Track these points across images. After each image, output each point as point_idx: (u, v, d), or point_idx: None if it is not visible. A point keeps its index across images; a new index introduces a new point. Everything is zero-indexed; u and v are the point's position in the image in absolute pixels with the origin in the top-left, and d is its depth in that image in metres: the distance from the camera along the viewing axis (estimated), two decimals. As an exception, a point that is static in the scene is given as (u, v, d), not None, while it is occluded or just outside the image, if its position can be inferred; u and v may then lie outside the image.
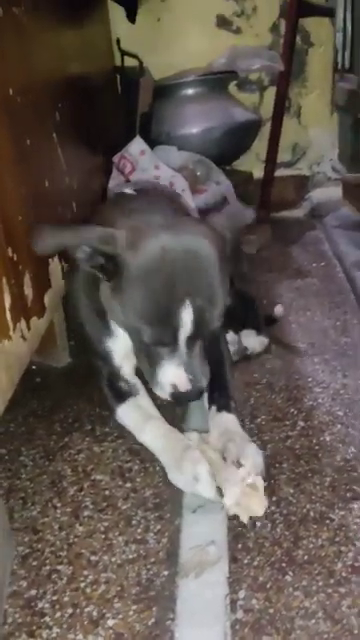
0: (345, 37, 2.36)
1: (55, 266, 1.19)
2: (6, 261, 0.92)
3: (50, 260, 1.17)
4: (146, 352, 0.95)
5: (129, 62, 2.19)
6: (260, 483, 0.91)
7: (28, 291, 1.01)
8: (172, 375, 0.92)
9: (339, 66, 2.44)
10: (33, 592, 0.84)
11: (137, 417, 1.10)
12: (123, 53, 2.20)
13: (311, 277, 1.86)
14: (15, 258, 0.95)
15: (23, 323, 0.97)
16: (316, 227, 2.35)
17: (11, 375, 0.92)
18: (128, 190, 1.11)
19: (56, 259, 1.20)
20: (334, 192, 2.53)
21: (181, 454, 0.99)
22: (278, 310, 1.56)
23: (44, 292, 1.11)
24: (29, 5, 1.11)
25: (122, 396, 1.13)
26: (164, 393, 0.94)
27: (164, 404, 1.09)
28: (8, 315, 0.91)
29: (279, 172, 2.47)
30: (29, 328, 1.00)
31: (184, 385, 0.92)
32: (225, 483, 0.91)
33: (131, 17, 2.10)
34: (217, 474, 0.94)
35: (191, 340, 0.90)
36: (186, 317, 0.87)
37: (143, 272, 0.87)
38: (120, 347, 1.11)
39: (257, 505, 0.90)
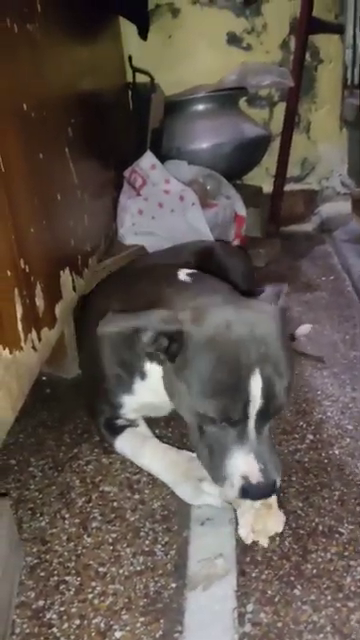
0: (354, 54, 2.39)
1: (66, 277, 1.20)
2: (18, 272, 0.93)
3: (61, 272, 1.18)
4: (210, 441, 0.87)
5: (141, 78, 2.22)
6: (273, 500, 0.90)
7: (39, 302, 1.02)
8: (242, 463, 0.84)
9: (348, 82, 2.47)
10: (41, 603, 0.84)
11: (134, 443, 1.10)
12: (135, 70, 2.24)
13: (320, 291, 1.87)
14: (27, 269, 0.96)
15: (34, 334, 0.98)
16: (325, 241, 2.35)
17: (21, 385, 0.92)
18: (182, 277, 1.10)
19: (67, 270, 1.21)
20: (343, 207, 2.54)
21: (187, 465, 0.99)
22: (302, 330, 1.52)
23: (55, 303, 1.12)
24: (43, 22, 1.13)
25: (119, 430, 1.12)
26: (233, 489, 0.85)
27: (169, 433, 1.08)
28: (19, 325, 0.92)
29: (288, 186, 2.49)
30: (40, 339, 1.01)
31: (255, 476, 0.83)
32: (237, 509, 0.90)
33: (143, 34, 2.13)
34: None
35: (260, 420, 0.84)
36: (256, 387, 0.82)
37: (210, 342, 0.84)
38: (134, 401, 1.09)
39: (274, 524, 0.89)
